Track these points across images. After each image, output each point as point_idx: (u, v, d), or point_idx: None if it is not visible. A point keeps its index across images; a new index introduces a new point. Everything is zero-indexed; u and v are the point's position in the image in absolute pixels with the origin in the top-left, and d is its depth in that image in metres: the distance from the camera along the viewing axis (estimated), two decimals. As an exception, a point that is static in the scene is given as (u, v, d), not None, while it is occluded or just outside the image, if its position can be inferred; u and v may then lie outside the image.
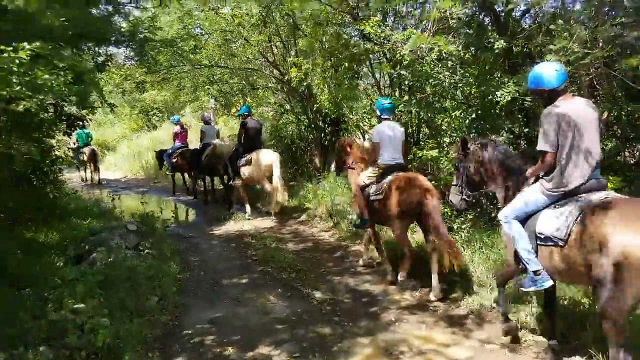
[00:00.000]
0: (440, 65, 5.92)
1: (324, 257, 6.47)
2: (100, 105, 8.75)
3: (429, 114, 6.78)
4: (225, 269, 6.12)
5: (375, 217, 5.46)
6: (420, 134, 7.99)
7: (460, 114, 6.17)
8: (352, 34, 8.34)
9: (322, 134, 11.03)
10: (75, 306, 3.90)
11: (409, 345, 3.91)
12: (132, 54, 10.03)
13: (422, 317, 4.44)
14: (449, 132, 6.89)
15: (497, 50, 5.62)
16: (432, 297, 4.78)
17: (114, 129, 21.94)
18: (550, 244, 3.09)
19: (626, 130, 5.62)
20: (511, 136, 5.39)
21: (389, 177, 5.19)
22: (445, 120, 7.06)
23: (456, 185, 4.05)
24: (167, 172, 12.12)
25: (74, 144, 13.83)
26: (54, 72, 4.32)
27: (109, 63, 7.40)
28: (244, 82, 11.66)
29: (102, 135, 21.81)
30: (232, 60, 10.76)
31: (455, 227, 5.72)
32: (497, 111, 5.99)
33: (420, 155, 6.37)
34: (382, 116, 5.52)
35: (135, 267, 5.37)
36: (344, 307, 4.78)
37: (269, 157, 8.27)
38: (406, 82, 7.32)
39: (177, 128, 11.68)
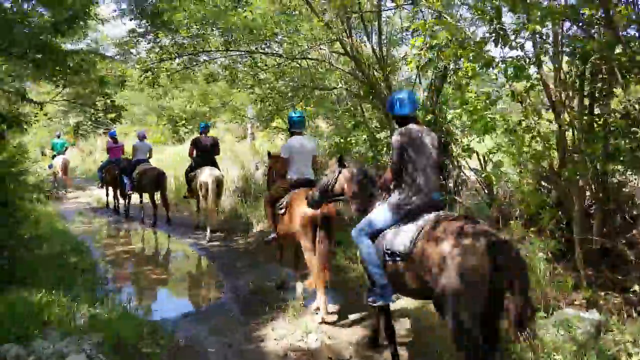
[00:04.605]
0: None
1: None
2: (123, 107, 7.85)
3: None
4: None
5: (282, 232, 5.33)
6: None
7: None
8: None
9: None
10: None
11: None
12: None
13: None
14: None
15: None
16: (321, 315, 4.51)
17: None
18: (397, 259, 3.24)
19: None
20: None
21: (291, 192, 5.12)
22: None
23: (322, 186, 4.22)
24: (98, 187, 12.18)
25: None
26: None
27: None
28: (303, 79, 7.96)
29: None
30: (290, 42, 7.10)
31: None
32: None
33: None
34: (291, 130, 5.45)
35: None
36: None
37: (204, 176, 8.17)
38: None
39: (110, 142, 11.52)
